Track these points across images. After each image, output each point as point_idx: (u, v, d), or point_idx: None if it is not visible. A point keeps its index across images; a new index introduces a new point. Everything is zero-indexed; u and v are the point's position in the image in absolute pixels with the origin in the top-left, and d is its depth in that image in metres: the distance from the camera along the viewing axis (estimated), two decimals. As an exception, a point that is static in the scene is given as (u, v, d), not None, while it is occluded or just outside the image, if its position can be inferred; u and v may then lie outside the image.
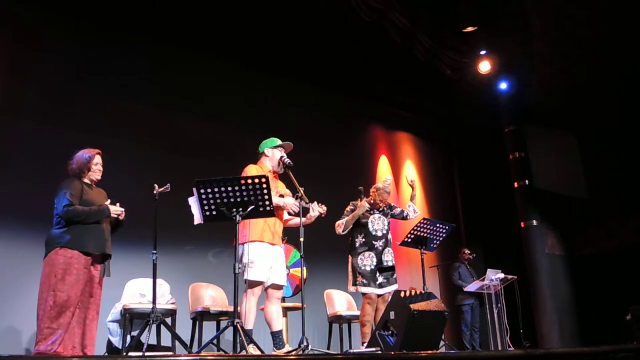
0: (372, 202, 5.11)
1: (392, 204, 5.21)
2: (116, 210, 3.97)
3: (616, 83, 8.49)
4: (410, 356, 3.85)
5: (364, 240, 4.97)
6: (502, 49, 8.64)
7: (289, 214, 4.30)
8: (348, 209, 5.08)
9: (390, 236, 5.12)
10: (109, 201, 4.02)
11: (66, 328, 3.70)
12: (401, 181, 8.89)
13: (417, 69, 8.59)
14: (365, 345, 4.69)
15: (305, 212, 4.29)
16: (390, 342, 4.37)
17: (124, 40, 6.47)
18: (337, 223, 4.96)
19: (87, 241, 3.82)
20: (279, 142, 4.44)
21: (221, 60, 7.22)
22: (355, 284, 4.90)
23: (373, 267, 4.91)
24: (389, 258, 5.02)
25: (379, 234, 5.00)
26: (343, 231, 4.95)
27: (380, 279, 4.93)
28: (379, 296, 4.96)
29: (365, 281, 4.87)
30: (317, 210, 4.32)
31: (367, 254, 4.95)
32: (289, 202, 4.20)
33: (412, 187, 5.34)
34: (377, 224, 5.02)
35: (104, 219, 3.92)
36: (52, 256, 3.76)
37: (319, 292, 5.93)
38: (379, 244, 4.99)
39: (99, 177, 4.13)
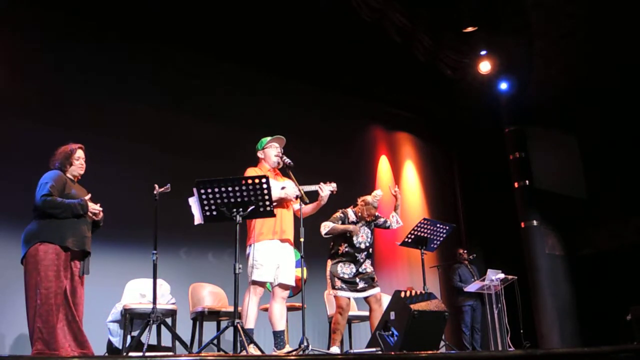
0: (359, 214, 5.06)
1: (377, 214, 5.17)
2: (94, 208, 3.86)
3: (616, 83, 8.49)
4: (410, 356, 3.85)
5: (346, 250, 4.93)
6: (502, 49, 8.63)
7: (305, 203, 4.22)
8: (337, 214, 5.00)
9: (372, 249, 5.09)
10: (89, 196, 3.91)
11: (58, 324, 3.61)
12: (401, 183, 8.89)
13: (417, 69, 8.59)
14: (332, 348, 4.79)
15: (317, 196, 4.30)
16: (390, 342, 4.37)
17: (124, 40, 6.47)
18: (324, 224, 4.90)
19: (67, 236, 3.71)
20: (268, 139, 4.43)
21: (221, 60, 7.21)
22: (334, 288, 4.88)
23: (351, 275, 4.90)
24: (367, 266, 5.00)
25: (362, 246, 4.97)
26: (326, 234, 4.90)
27: (361, 284, 4.90)
28: (366, 298, 4.94)
29: (344, 286, 4.85)
30: (326, 189, 4.33)
31: (347, 263, 4.92)
32: (290, 192, 4.20)
33: (396, 197, 5.24)
34: (362, 236, 4.97)
35: (81, 214, 3.78)
36: (32, 252, 3.66)
37: (319, 292, 5.92)
38: (360, 256, 4.96)
39: (81, 172, 4.04)
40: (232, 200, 3.65)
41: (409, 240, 5.36)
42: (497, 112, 9.16)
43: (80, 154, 4.02)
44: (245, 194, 3.64)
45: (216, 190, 3.62)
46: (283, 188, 4.22)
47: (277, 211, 4.09)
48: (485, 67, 8.76)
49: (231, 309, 4.35)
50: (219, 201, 3.65)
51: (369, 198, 5.05)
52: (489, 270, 6.85)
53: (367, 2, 7.38)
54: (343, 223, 4.97)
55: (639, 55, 8.04)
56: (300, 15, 7.23)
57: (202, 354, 3.72)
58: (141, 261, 4.88)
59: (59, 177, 3.85)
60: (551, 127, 9.28)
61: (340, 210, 5.05)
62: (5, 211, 5.28)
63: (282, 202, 4.25)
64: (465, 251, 7.89)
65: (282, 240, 4.21)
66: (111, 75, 6.27)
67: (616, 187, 8.83)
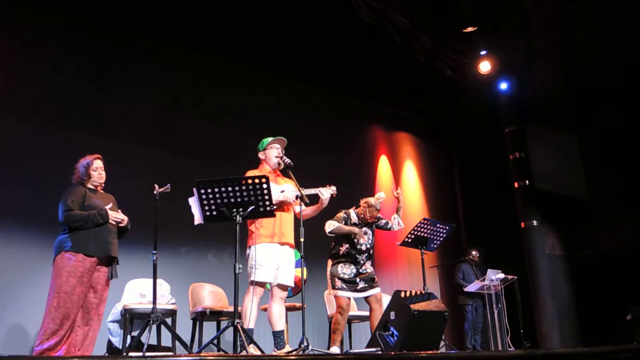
0: (361, 216, 5.05)
1: (379, 215, 5.16)
2: (116, 216, 4.01)
3: (616, 83, 8.49)
4: (410, 356, 3.85)
5: (347, 251, 4.93)
6: (502, 49, 8.63)
7: (305, 203, 4.22)
8: (340, 215, 4.98)
9: (372, 250, 5.08)
10: (110, 205, 4.04)
11: (70, 329, 3.76)
12: (401, 183, 8.89)
13: (417, 69, 8.59)
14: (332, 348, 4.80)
15: (317, 199, 4.30)
16: (390, 342, 4.37)
17: (123, 40, 6.47)
18: (329, 222, 4.89)
19: (90, 244, 3.88)
20: (269, 140, 4.43)
21: (221, 60, 7.21)
22: (334, 288, 4.88)
23: (352, 276, 4.89)
24: (367, 267, 4.99)
25: (363, 247, 4.96)
26: (330, 232, 4.88)
27: (361, 284, 4.90)
28: (366, 298, 4.94)
29: (344, 286, 4.85)
30: (326, 193, 4.33)
31: (347, 264, 4.91)
32: (289, 195, 4.20)
33: (398, 199, 5.23)
34: (363, 238, 4.97)
35: (101, 222, 3.93)
36: (58, 260, 3.85)
37: (319, 292, 5.93)
38: (361, 257, 4.96)
39: (102, 181, 4.17)
40: (232, 200, 3.65)
41: (409, 240, 5.36)
42: (497, 112, 9.16)
43: (98, 164, 4.15)
44: (245, 194, 3.64)
45: (216, 190, 3.62)
46: (282, 192, 4.21)
47: (276, 214, 4.09)
48: (485, 67, 8.76)
49: (231, 309, 4.35)
50: (219, 201, 3.65)
51: (371, 200, 5.03)
52: (489, 270, 6.85)
53: (367, 2, 7.38)
54: (346, 224, 4.96)
55: (638, 54, 8.04)
56: (300, 15, 7.23)
57: (202, 354, 3.72)
58: (141, 261, 4.88)
59: (78, 190, 4.00)
60: (551, 127, 9.28)
61: (343, 211, 5.04)
62: (11, 214, 5.29)
63: (282, 205, 4.24)
64: (477, 254, 7.90)
65: (282, 243, 4.22)
66: (111, 75, 6.27)
67: (616, 187, 8.83)
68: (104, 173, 4.16)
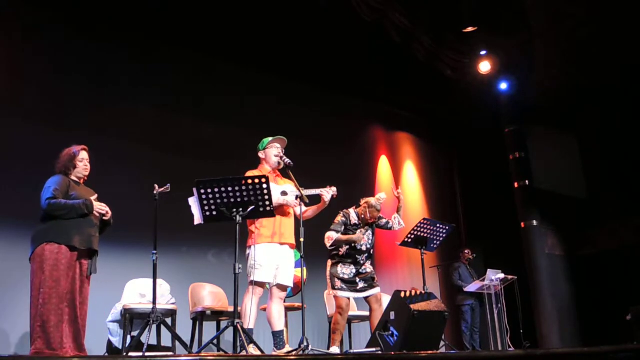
0: (362, 216, 5.03)
1: (379, 215, 5.15)
2: (100, 207, 3.90)
3: (616, 83, 8.49)
4: (410, 356, 3.85)
5: (347, 252, 4.92)
6: (502, 49, 8.63)
7: (305, 203, 4.23)
8: (339, 219, 4.97)
9: (372, 250, 5.08)
10: (95, 196, 3.95)
11: (59, 325, 3.63)
12: (401, 183, 8.89)
13: (417, 69, 8.59)
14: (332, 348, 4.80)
15: (317, 199, 4.31)
16: (390, 342, 4.37)
17: (124, 40, 6.47)
18: (328, 235, 4.87)
19: (73, 235, 3.75)
20: (270, 139, 4.44)
21: (221, 60, 7.22)
22: (334, 288, 4.87)
23: (351, 276, 4.89)
24: (367, 266, 4.99)
25: (363, 248, 4.96)
26: (331, 246, 4.88)
27: (361, 284, 4.89)
28: (366, 298, 4.93)
29: (344, 286, 4.84)
30: (327, 194, 4.33)
31: (347, 264, 4.90)
32: (290, 199, 4.20)
33: (399, 199, 5.23)
34: (363, 238, 4.97)
35: (87, 214, 3.81)
36: (38, 252, 3.70)
37: (319, 292, 5.93)
38: (361, 258, 4.95)
39: (86, 174, 4.07)
40: (232, 200, 3.65)
41: (409, 240, 5.36)
42: (497, 112, 9.16)
43: (84, 155, 4.05)
44: (245, 194, 3.65)
45: (216, 190, 3.62)
46: (283, 193, 4.21)
47: (276, 214, 4.08)
48: (485, 67, 8.75)
49: (231, 309, 4.35)
50: (219, 201, 3.65)
51: (372, 200, 5.02)
52: (489, 270, 6.85)
53: (367, 2, 7.38)
54: (345, 226, 4.95)
55: (638, 55, 8.04)
56: (300, 15, 7.23)
57: (202, 354, 3.73)
58: (141, 261, 4.89)
59: (62, 180, 3.89)
60: (551, 127, 9.28)
61: (342, 213, 5.03)
62: (11, 214, 5.28)
63: (282, 206, 4.25)
64: (469, 252, 7.91)
65: (282, 244, 4.22)
66: (111, 75, 6.28)
67: (616, 187, 8.83)
68: (89, 165, 4.05)
